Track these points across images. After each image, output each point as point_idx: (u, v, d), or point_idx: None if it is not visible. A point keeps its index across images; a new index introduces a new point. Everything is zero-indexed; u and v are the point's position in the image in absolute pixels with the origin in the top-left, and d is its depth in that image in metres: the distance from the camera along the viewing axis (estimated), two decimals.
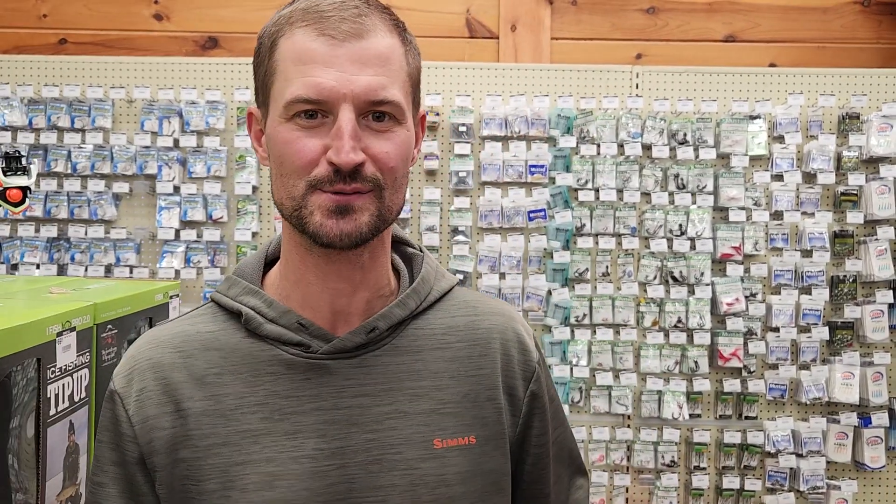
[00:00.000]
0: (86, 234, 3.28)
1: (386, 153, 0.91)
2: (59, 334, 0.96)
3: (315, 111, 0.90)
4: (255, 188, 3.29)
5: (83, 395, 1.02)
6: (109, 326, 1.09)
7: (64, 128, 3.26)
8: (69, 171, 3.25)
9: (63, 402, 0.98)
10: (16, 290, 1.27)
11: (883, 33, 3.49)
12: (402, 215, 3.26)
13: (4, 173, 1.37)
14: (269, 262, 1.05)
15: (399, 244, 1.08)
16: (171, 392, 0.95)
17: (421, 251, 1.07)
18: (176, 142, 3.27)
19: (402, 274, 1.04)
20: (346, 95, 0.89)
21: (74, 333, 1.03)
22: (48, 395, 0.93)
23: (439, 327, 1.02)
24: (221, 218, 3.29)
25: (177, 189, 3.28)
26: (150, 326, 1.23)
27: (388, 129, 0.92)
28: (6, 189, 1.36)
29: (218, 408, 0.94)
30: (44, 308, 0.98)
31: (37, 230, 3.25)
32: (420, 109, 1.01)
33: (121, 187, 3.28)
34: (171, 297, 1.39)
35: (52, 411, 0.95)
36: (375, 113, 0.91)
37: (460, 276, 1.02)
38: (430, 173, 3.30)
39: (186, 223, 3.29)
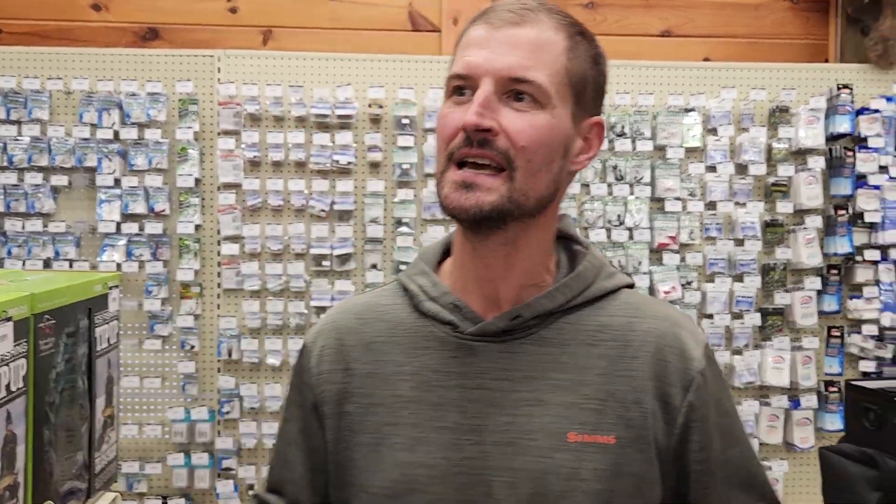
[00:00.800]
0: (23, 227, 3.22)
1: (519, 129, 0.95)
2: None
3: (465, 87, 0.97)
4: (197, 181, 3.27)
5: (21, 385, 1.01)
6: (47, 317, 1.07)
7: None
8: (5, 164, 3.19)
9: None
10: None
11: (811, 30, 3.62)
12: (346, 207, 3.28)
13: None
14: (449, 247, 1.10)
15: (568, 240, 1.09)
16: (344, 353, 1.07)
17: (587, 248, 1.08)
18: (116, 134, 3.24)
19: (564, 269, 1.06)
20: (488, 70, 0.95)
21: (11, 323, 1.03)
22: None
23: (592, 324, 1.03)
24: (164, 211, 3.27)
25: (117, 182, 3.24)
26: (90, 318, 1.22)
27: (526, 110, 0.96)
28: None
29: (379, 372, 1.05)
30: None
31: None
32: (594, 116, 1.03)
33: (59, 180, 3.24)
34: (110, 288, 1.39)
35: None
36: (518, 93, 0.95)
37: (632, 280, 1.02)
38: (374, 165, 3.33)
39: (128, 216, 3.26)
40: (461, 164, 0.96)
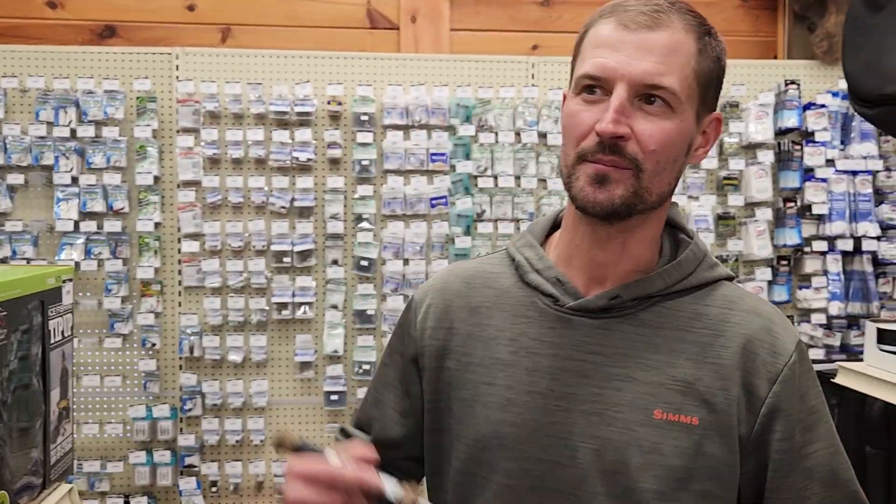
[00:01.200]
0: None
1: (649, 135, 0.98)
2: None
3: (596, 87, 1.00)
4: (156, 178, 3.27)
5: None
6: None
7: None
8: None
9: None
10: None
11: (760, 27, 3.70)
12: (306, 203, 3.29)
13: None
14: (558, 224, 1.15)
15: (676, 229, 1.14)
16: (449, 313, 1.15)
17: (692, 238, 1.12)
18: (73, 132, 3.22)
19: (665, 256, 1.10)
20: (624, 76, 0.97)
21: None
22: None
23: (688, 311, 1.06)
24: (123, 209, 3.25)
25: (75, 180, 3.23)
26: (43, 310, 1.22)
27: (657, 114, 0.99)
28: None
29: (481, 334, 1.11)
30: None
31: None
32: (712, 112, 1.07)
33: (15, 178, 3.21)
34: (63, 282, 1.40)
35: None
36: (650, 97, 0.98)
37: (732, 274, 1.05)
38: (334, 162, 3.34)
39: (86, 214, 3.24)
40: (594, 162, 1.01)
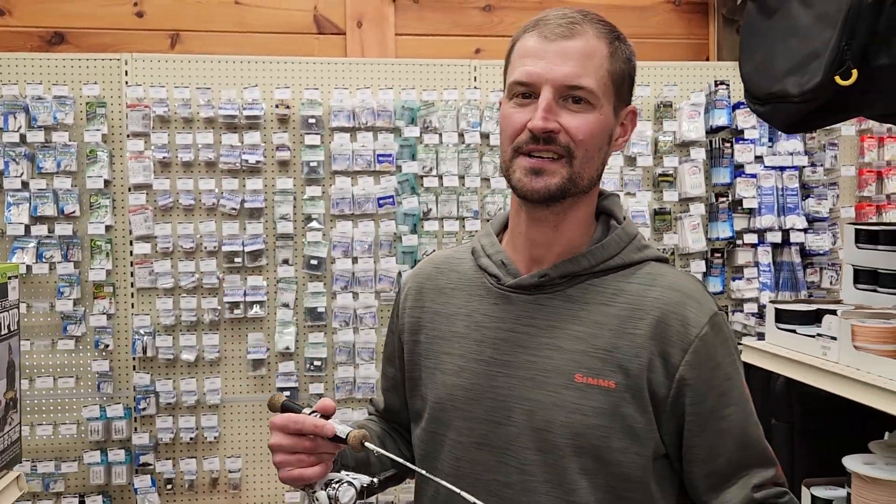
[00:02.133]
0: None
1: (576, 127, 1.13)
2: None
3: (527, 93, 1.14)
4: (107, 182, 3.30)
5: None
6: None
7: None
8: None
9: None
10: None
11: (693, 30, 3.84)
12: (256, 205, 3.35)
13: None
14: None
15: (609, 216, 1.25)
16: (422, 294, 1.31)
17: (621, 224, 1.23)
18: (23, 137, 3.24)
19: (595, 240, 1.22)
20: (548, 80, 1.12)
21: None
22: None
23: (612, 288, 1.19)
24: (74, 212, 3.28)
25: (25, 185, 3.25)
26: None
27: (581, 111, 1.13)
28: None
29: (445, 311, 1.28)
30: None
31: None
32: (629, 106, 1.21)
33: None
34: (9, 278, 1.46)
35: None
36: (574, 97, 1.13)
37: (665, 256, 1.17)
38: (283, 164, 3.41)
39: (37, 219, 3.27)
40: (528, 154, 1.15)
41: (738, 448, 1.17)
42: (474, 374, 1.21)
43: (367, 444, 1.11)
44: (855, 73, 1.25)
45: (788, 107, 1.40)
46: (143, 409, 3.34)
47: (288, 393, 3.34)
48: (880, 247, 1.62)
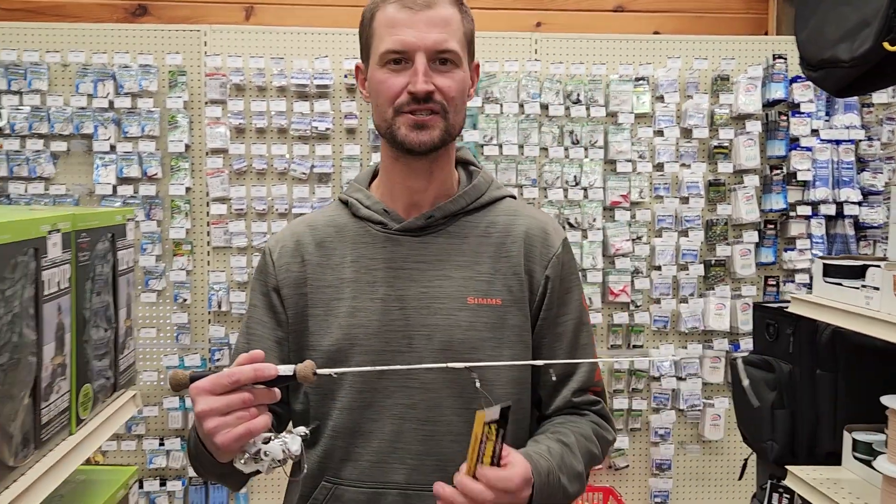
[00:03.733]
0: (25, 190, 3.44)
1: (449, 86, 1.27)
2: None
3: (400, 59, 1.26)
4: (187, 146, 3.50)
5: (66, 284, 1.10)
6: (84, 234, 1.15)
7: (1, 90, 3.40)
8: (8, 132, 3.40)
9: None
10: None
11: (752, 4, 3.88)
12: (325, 170, 3.52)
13: None
14: (377, 173, 1.43)
15: (467, 164, 1.42)
16: (300, 249, 1.38)
17: (481, 168, 1.42)
18: (111, 103, 3.45)
19: (463, 183, 1.39)
20: (421, 47, 1.25)
21: (59, 234, 1.29)
22: None
23: (484, 222, 1.37)
24: (156, 174, 3.49)
25: (112, 148, 3.46)
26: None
27: (449, 71, 1.27)
28: None
29: (328, 262, 1.36)
30: None
31: None
32: (474, 60, 1.35)
33: (58, 146, 3.45)
34: (128, 220, 1.64)
35: None
36: (441, 59, 1.26)
37: (514, 193, 1.42)
38: (350, 131, 3.57)
39: (123, 180, 3.48)
40: (410, 112, 1.27)
41: (569, 349, 1.38)
42: (370, 312, 1.31)
43: (319, 371, 1.10)
44: None
45: (839, 72, 1.49)
46: (218, 359, 3.54)
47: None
48: None
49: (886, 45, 1.36)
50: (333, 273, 1.35)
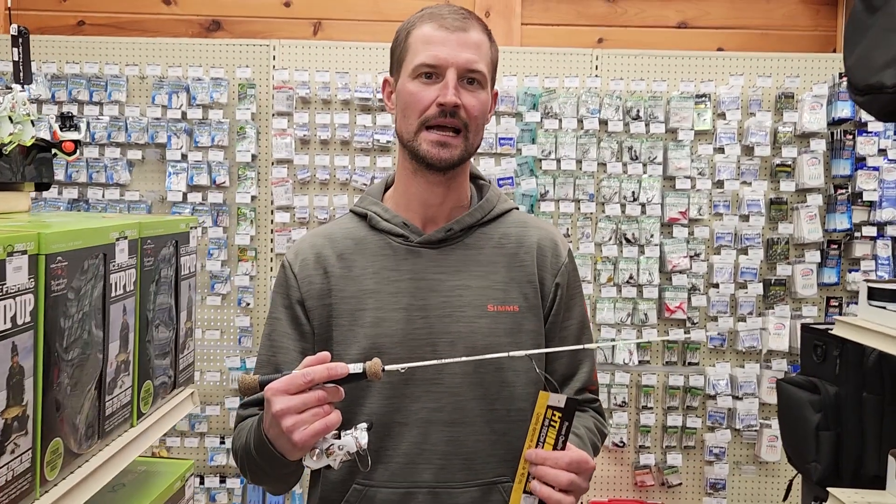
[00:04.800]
0: (103, 196, 3.63)
1: (473, 105, 1.36)
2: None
3: (432, 73, 1.35)
4: (254, 156, 3.64)
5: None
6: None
7: (83, 101, 3.61)
8: (88, 141, 3.59)
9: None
10: None
11: (820, 21, 3.84)
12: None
13: (61, 129, 1.74)
14: (389, 185, 1.52)
15: (475, 178, 1.52)
16: (321, 261, 1.43)
17: (490, 183, 1.52)
18: (183, 114, 3.62)
19: (474, 197, 1.49)
20: (453, 63, 1.34)
21: (126, 241, 1.40)
22: None
23: (497, 234, 1.45)
24: (224, 183, 3.64)
25: (184, 157, 3.62)
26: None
27: (475, 91, 1.36)
28: (62, 141, 1.72)
29: (350, 274, 1.42)
30: None
31: (59, 192, 3.60)
32: (494, 88, 1.44)
33: (134, 154, 3.63)
34: (191, 228, 1.75)
35: None
36: (469, 78, 1.35)
37: (517, 205, 1.54)
38: (396, 147, 3.65)
39: (193, 187, 3.64)
40: (430, 127, 1.36)
41: (569, 355, 1.46)
42: (395, 322, 1.37)
43: (387, 367, 1.17)
44: None
45: (884, 97, 1.50)
46: None
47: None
48: None
49: None
50: (356, 284, 1.41)
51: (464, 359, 1.27)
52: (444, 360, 1.25)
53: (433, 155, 1.35)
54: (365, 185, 3.62)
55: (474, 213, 1.44)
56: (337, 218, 1.55)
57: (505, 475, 1.38)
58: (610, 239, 3.59)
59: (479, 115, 1.37)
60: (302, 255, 1.45)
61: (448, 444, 1.36)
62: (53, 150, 1.75)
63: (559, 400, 1.18)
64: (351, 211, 1.50)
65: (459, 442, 1.36)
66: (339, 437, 1.17)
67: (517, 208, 1.52)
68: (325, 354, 1.19)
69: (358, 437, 1.17)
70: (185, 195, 3.63)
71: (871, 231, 3.56)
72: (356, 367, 1.16)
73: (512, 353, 1.26)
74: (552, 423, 1.19)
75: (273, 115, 3.66)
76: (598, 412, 1.50)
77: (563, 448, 1.21)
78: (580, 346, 1.41)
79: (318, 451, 1.17)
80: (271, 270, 3.70)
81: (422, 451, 1.36)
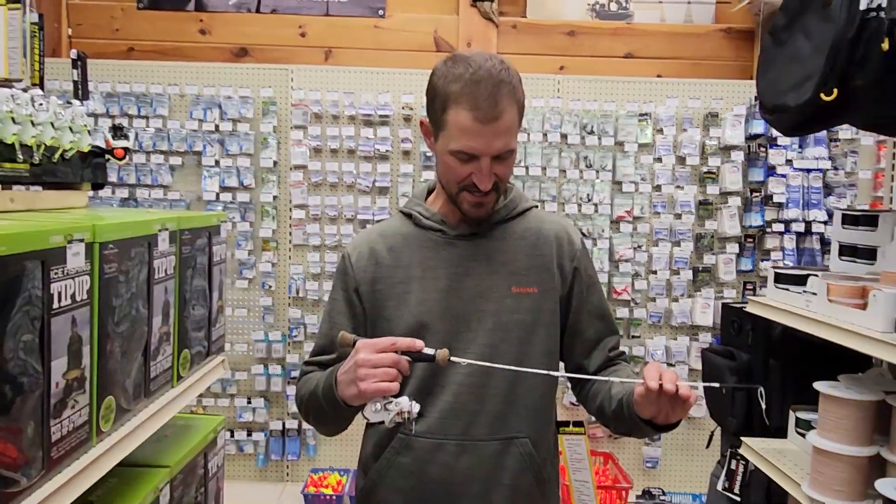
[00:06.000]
0: (149, 195, 3.60)
1: (504, 173, 1.33)
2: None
3: (468, 158, 1.29)
4: (275, 163, 3.62)
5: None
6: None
7: (132, 115, 3.58)
8: (136, 148, 3.57)
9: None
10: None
11: (740, 53, 3.85)
12: (384, 184, 3.61)
13: (113, 138, 1.73)
14: (431, 189, 1.50)
15: None
16: (374, 254, 1.44)
17: (513, 185, 1.47)
18: (216, 127, 3.59)
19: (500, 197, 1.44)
20: (487, 153, 1.28)
21: (167, 233, 1.40)
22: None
23: (520, 228, 1.44)
24: (250, 185, 3.62)
25: (217, 163, 3.60)
26: (209, 239, 1.40)
27: (506, 159, 1.31)
28: (114, 148, 1.72)
29: (398, 263, 1.42)
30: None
31: (112, 192, 3.58)
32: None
33: (175, 160, 3.60)
34: (222, 222, 1.74)
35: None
36: (503, 155, 1.30)
37: (536, 203, 1.50)
38: (406, 153, 3.65)
39: (224, 188, 3.62)
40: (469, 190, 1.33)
41: (599, 322, 1.46)
42: (436, 301, 1.37)
43: (453, 358, 1.18)
44: (836, 91, 1.37)
45: (787, 116, 1.52)
46: (295, 335, 3.66)
47: None
48: (860, 227, 1.72)
49: (822, 95, 1.39)
50: (404, 272, 1.41)
51: (510, 368, 1.27)
52: (497, 366, 1.28)
53: (472, 213, 1.36)
54: (367, 187, 3.62)
55: (500, 211, 1.42)
56: (388, 218, 1.54)
57: (522, 432, 1.39)
58: None
59: (509, 173, 1.34)
60: (358, 249, 1.45)
61: (476, 404, 1.37)
62: (107, 156, 1.75)
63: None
64: (400, 211, 1.50)
65: (485, 401, 1.37)
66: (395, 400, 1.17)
67: (536, 206, 1.50)
68: (414, 340, 1.21)
69: (412, 404, 1.18)
70: (217, 195, 3.60)
71: (779, 227, 3.58)
72: (429, 350, 1.18)
73: (542, 371, 1.28)
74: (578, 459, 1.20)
75: (291, 128, 3.64)
76: (627, 362, 1.49)
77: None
78: (551, 373, 1.34)
79: (378, 405, 1.18)
80: (289, 259, 3.69)
81: (454, 409, 1.37)
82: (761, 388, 1.26)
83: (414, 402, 1.19)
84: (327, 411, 1.32)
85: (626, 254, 3.59)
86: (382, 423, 1.19)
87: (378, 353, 1.18)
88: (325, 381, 1.31)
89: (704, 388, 2.14)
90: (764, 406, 1.30)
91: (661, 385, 1.17)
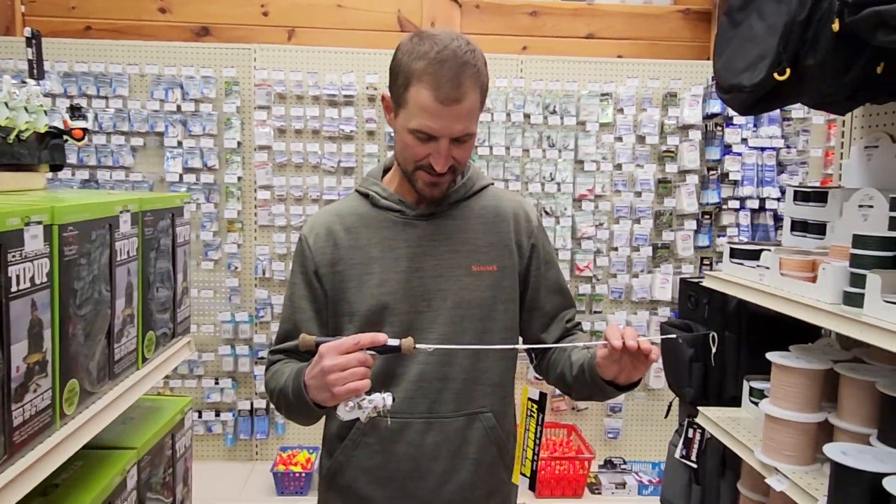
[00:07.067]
0: (110, 177, 3.51)
1: (462, 155, 1.31)
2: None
3: (426, 137, 1.26)
4: (239, 143, 3.55)
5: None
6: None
7: (91, 95, 3.47)
8: (96, 129, 3.47)
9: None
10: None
11: (698, 34, 3.88)
12: (349, 164, 3.58)
13: (70, 119, 1.68)
14: (387, 167, 1.48)
15: None
16: (332, 235, 1.40)
17: (472, 163, 1.45)
18: (178, 107, 3.51)
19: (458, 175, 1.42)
20: (446, 135, 1.26)
21: (129, 214, 1.36)
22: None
23: (478, 205, 1.42)
24: (214, 166, 3.55)
25: (179, 143, 3.52)
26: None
27: (465, 141, 1.29)
28: (72, 129, 1.66)
29: (356, 244, 1.39)
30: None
31: (72, 174, 3.48)
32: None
33: (137, 141, 3.52)
34: (185, 203, 1.71)
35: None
36: (461, 138, 1.27)
37: (493, 181, 1.48)
38: (370, 133, 3.62)
39: (187, 169, 3.55)
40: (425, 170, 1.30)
41: (557, 296, 1.46)
42: (396, 282, 1.34)
43: (418, 345, 1.16)
44: (788, 71, 1.39)
45: (742, 95, 1.54)
46: (262, 316, 3.63)
47: None
48: (810, 203, 1.76)
49: (776, 75, 1.41)
50: (362, 252, 1.37)
51: (473, 347, 1.29)
52: (460, 346, 1.29)
53: (426, 193, 1.34)
54: (332, 167, 3.58)
55: (459, 190, 1.41)
56: (343, 197, 1.49)
57: (486, 406, 1.39)
58: None
59: (467, 157, 1.32)
60: (315, 230, 1.41)
61: (440, 382, 1.37)
62: (65, 137, 1.69)
63: (534, 394, 1.22)
64: (355, 191, 1.46)
65: (449, 380, 1.37)
66: (368, 394, 1.16)
67: (492, 183, 1.48)
68: (377, 335, 1.18)
69: (385, 398, 1.16)
70: (181, 176, 3.53)
71: (735, 204, 3.65)
72: (393, 342, 1.16)
73: (503, 346, 1.30)
74: (531, 413, 1.22)
75: (254, 108, 3.57)
76: (582, 331, 1.51)
77: (539, 436, 1.24)
78: (512, 346, 1.38)
79: (351, 404, 1.16)
80: (255, 240, 3.65)
81: (419, 388, 1.36)
82: (713, 333, 1.35)
83: (386, 394, 1.18)
84: (300, 411, 1.29)
85: (588, 231, 3.62)
86: (358, 419, 1.18)
87: (343, 356, 1.15)
88: (294, 384, 1.27)
89: (664, 360, 2.19)
90: (714, 350, 1.36)
91: (623, 343, 1.17)
